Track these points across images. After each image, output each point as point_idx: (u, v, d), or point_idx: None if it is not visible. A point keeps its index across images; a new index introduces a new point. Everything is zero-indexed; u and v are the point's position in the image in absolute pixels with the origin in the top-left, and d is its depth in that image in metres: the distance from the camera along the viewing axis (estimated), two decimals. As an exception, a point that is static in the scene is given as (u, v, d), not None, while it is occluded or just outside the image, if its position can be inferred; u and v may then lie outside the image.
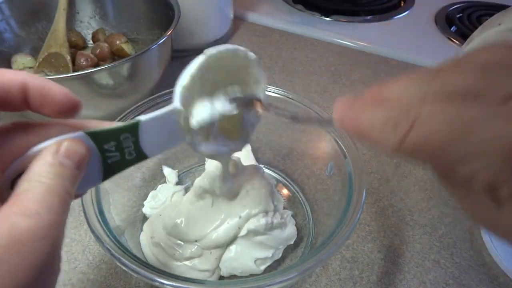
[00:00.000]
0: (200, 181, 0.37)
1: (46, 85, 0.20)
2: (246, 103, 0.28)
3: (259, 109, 0.27)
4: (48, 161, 0.19)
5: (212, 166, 0.38)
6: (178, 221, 0.36)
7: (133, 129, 0.23)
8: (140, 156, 0.24)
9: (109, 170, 0.23)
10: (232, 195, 0.36)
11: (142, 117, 0.23)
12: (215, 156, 0.32)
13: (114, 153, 0.23)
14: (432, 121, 0.16)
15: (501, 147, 0.15)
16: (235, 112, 0.27)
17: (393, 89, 0.18)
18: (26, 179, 0.19)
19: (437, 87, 0.17)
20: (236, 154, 0.34)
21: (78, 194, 0.24)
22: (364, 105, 0.19)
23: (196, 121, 0.26)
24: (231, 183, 0.36)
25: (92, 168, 0.22)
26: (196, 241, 0.36)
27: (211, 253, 0.35)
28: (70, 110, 0.21)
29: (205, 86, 0.28)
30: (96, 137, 0.22)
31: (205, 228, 0.36)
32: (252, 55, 0.28)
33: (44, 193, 0.18)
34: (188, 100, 0.26)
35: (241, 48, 0.28)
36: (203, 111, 0.26)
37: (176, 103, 0.25)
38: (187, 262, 0.36)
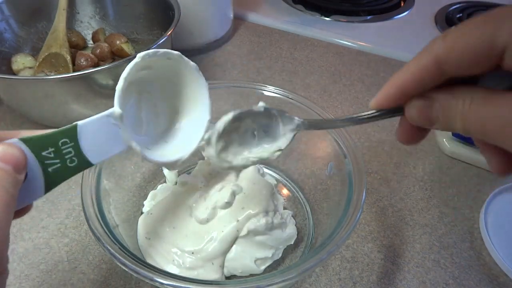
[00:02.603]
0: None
1: None
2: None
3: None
4: None
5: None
6: (170, 229, 0.35)
7: (71, 133, 0.23)
8: (83, 162, 0.24)
9: (51, 179, 0.23)
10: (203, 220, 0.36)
11: (80, 121, 0.23)
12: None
13: (53, 160, 0.22)
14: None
15: None
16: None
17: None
18: None
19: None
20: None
21: (23, 209, 0.23)
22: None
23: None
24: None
25: (32, 178, 0.21)
26: (192, 253, 0.35)
27: (213, 263, 0.35)
28: None
29: (142, 89, 0.29)
30: (31, 143, 0.21)
31: (199, 240, 0.35)
32: (192, 63, 0.29)
33: None
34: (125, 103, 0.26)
35: (174, 52, 0.28)
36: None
37: (116, 106, 0.25)
38: (191, 272, 0.34)
